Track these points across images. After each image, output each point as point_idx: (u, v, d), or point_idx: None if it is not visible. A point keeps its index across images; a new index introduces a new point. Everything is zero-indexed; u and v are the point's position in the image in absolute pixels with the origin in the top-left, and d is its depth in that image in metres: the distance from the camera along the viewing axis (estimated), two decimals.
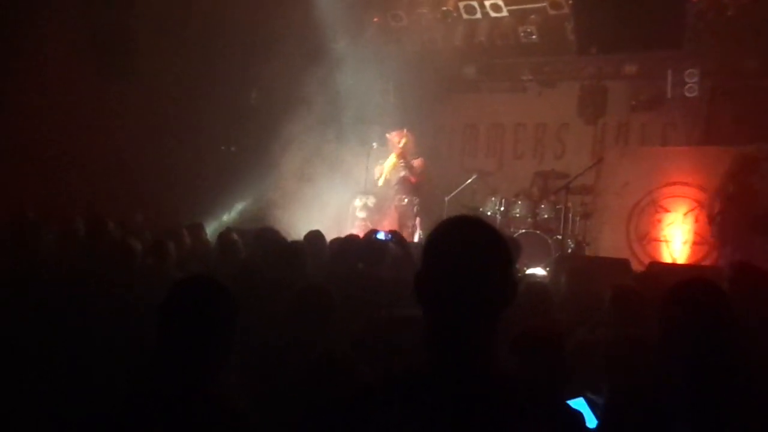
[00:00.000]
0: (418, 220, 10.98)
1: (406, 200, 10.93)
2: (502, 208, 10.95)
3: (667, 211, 10.07)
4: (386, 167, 11.13)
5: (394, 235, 6.41)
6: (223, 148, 12.90)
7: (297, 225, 9.92)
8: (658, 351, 3.06)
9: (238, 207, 11.92)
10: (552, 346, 3.06)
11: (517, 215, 10.75)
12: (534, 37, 11.39)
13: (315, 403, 2.86)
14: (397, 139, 11.05)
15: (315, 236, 7.10)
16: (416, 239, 10.34)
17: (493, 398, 1.71)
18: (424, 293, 1.82)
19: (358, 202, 11.49)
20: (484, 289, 1.76)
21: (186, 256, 6.75)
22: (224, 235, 7.33)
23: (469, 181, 11.74)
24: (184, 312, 2.36)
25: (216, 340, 2.37)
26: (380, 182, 11.15)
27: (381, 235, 6.35)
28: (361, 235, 9.44)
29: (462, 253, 1.78)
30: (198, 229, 8.02)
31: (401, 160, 10.94)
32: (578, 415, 1.78)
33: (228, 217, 11.70)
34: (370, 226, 10.82)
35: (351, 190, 11.60)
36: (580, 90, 12.03)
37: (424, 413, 1.69)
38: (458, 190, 11.65)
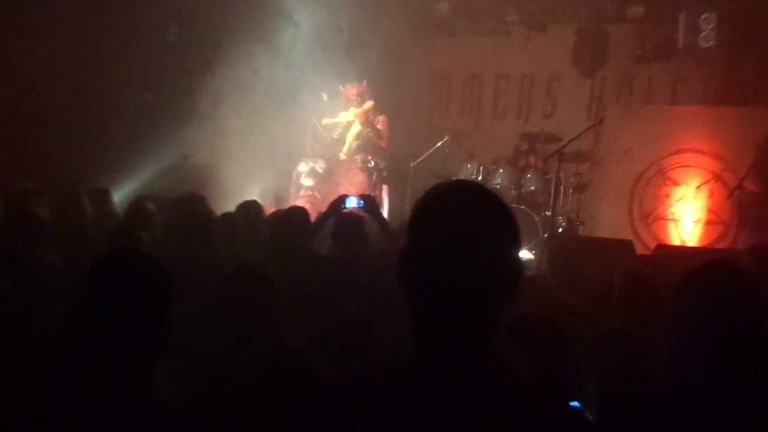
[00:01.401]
0: (385, 188, 11.07)
1: (372, 162, 11.06)
2: (480, 178, 11.00)
3: (676, 183, 10.21)
4: (350, 136, 11.16)
5: (367, 201, 6.41)
6: (134, 95, 12.70)
7: (227, 193, 9.91)
8: (671, 350, 3.11)
9: (155, 170, 11.78)
10: (554, 337, 3.12)
11: (498, 186, 10.82)
12: None
13: (272, 411, 2.88)
14: (355, 93, 11.03)
15: (250, 208, 7.15)
16: (384, 212, 10.39)
17: (497, 401, 1.72)
18: (412, 276, 1.80)
19: (303, 167, 11.47)
20: (488, 271, 1.76)
21: (85, 229, 6.74)
22: (136, 204, 7.28)
23: (440, 144, 11.80)
24: (110, 293, 2.37)
25: (148, 327, 2.38)
26: (344, 153, 11.17)
27: (352, 202, 6.36)
28: (307, 206, 9.45)
29: (462, 225, 1.76)
30: (102, 195, 8.02)
31: (367, 127, 11.01)
32: (589, 421, 1.81)
33: (142, 181, 11.57)
34: (318, 197, 10.84)
35: (295, 151, 11.57)
36: (575, 35, 12.10)
37: (415, 421, 1.69)
38: (426, 154, 11.70)
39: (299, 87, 11.60)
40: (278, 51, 11.34)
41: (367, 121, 11.12)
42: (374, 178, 11.13)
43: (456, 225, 1.77)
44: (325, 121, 11.45)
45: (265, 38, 11.17)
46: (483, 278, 1.76)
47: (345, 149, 11.26)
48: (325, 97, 11.56)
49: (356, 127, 11.24)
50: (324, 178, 11.44)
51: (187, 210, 6.60)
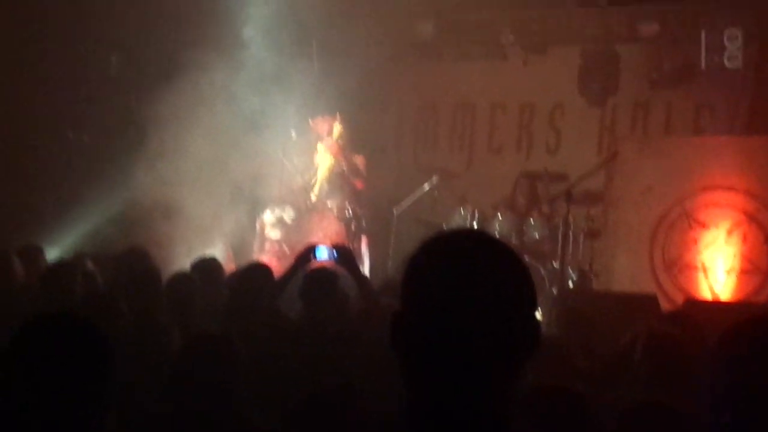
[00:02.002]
0: (365, 240, 11.05)
1: (350, 210, 11.01)
2: (475, 225, 10.96)
3: (704, 227, 10.21)
4: (320, 173, 11.14)
5: (341, 252, 6.40)
6: (70, 135, 12.65)
7: (181, 248, 9.99)
8: (705, 427, 3.07)
9: (95, 223, 11.71)
10: (575, 411, 3.09)
11: (496, 234, 10.78)
12: None
13: None
14: (327, 128, 11.08)
15: (208, 266, 7.16)
16: (365, 268, 10.46)
17: None
18: (408, 344, 1.81)
19: (269, 217, 11.44)
20: (500, 334, 1.77)
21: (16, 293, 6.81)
22: (73, 263, 7.28)
23: (427, 186, 11.79)
24: (36, 366, 2.37)
25: (81, 409, 2.37)
26: (314, 193, 11.12)
27: (323, 253, 6.36)
28: (274, 263, 9.37)
29: (468, 281, 1.77)
30: (35, 254, 7.98)
31: (340, 160, 11.00)
32: None
33: (81, 235, 11.50)
34: (287, 252, 10.79)
35: (259, 198, 11.53)
36: (581, 57, 12.13)
37: None
38: (412, 199, 11.68)
39: (264, 122, 11.62)
40: (239, 82, 11.36)
41: (340, 152, 11.07)
42: (353, 228, 11.11)
43: (461, 282, 1.77)
44: (298, 165, 11.43)
45: (223, 68, 11.18)
46: (494, 343, 1.77)
47: (315, 190, 11.19)
48: (293, 133, 11.57)
49: (327, 160, 11.17)
50: (293, 230, 11.39)
51: (127, 268, 6.65)
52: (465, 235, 1.94)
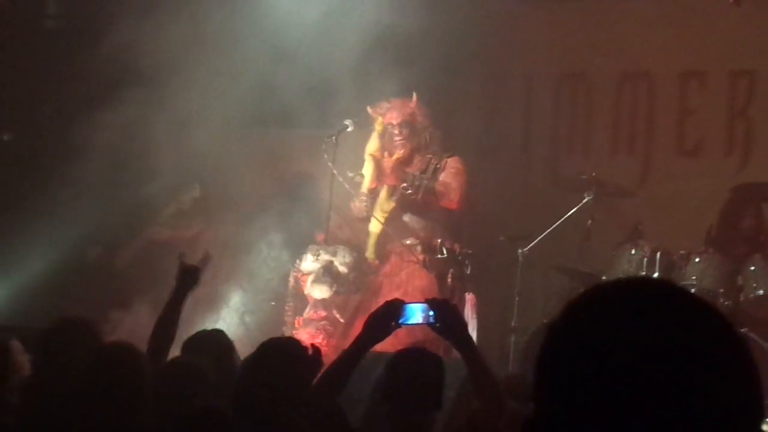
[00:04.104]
0: (470, 299, 11.02)
1: (445, 249, 10.96)
2: (656, 273, 10.99)
3: None
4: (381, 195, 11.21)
5: (445, 314, 6.33)
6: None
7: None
8: None
9: (24, 275, 12.04)
10: None
11: (694, 291, 10.64)
12: None
13: None
14: (397, 120, 11.27)
15: (210, 345, 7.54)
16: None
17: None
18: None
19: (310, 263, 11.51)
20: None
21: None
22: None
23: (575, 209, 11.78)
24: None
25: None
26: (379, 214, 11.18)
27: (415, 315, 6.39)
28: (320, 339, 9.35)
29: (651, 371, 1.84)
30: None
31: (414, 161, 11.06)
32: None
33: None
34: (341, 322, 10.80)
35: (293, 234, 11.71)
36: None
37: None
38: (548, 231, 11.66)
39: (301, 113, 12.00)
40: (266, 41, 11.83)
41: (408, 155, 11.21)
42: (449, 280, 11.06)
43: (637, 370, 1.85)
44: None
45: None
46: None
47: (377, 208, 11.25)
48: (350, 126, 11.59)
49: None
50: (351, 284, 11.52)
51: (62, 352, 6.86)
52: (642, 289, 1.99)
